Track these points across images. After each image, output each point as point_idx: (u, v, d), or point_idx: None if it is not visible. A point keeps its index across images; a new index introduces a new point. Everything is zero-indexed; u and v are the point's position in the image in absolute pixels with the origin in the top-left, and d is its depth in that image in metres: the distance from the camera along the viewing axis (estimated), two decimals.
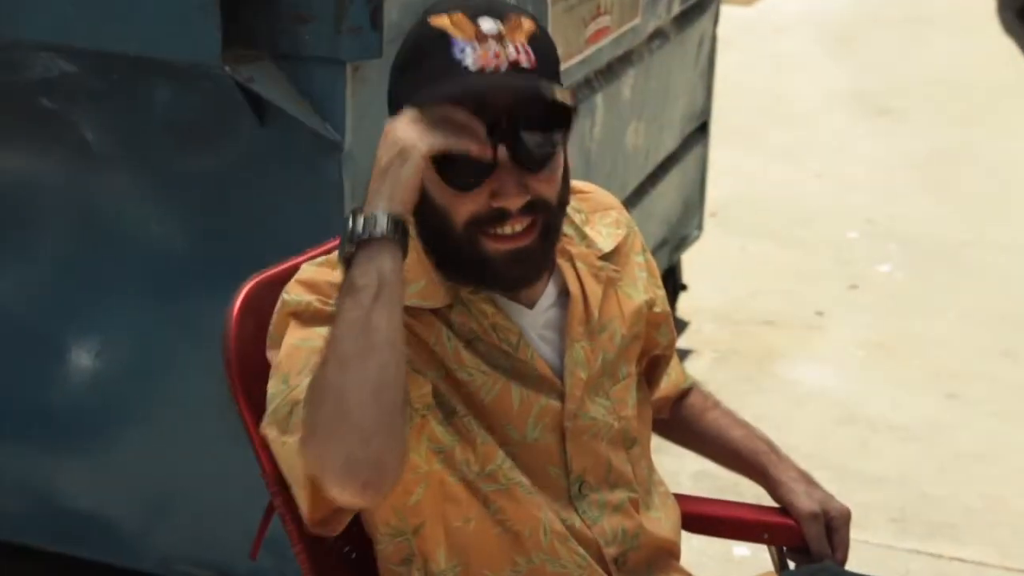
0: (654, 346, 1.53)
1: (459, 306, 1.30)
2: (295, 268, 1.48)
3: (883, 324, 3.94)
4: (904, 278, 4.31)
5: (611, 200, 1.51)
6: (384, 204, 1.17)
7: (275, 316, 1.30)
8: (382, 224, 1.16)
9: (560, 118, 1.25)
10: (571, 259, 1.38)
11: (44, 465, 2.25)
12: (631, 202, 3.15)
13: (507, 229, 1.25)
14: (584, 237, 1.41)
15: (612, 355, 1.40)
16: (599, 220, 1.46)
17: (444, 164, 1.23)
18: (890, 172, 5.31)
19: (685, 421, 1.62)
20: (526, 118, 1.22)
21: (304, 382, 1.19)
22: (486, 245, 1.26)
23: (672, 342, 1.56)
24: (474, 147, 1.19)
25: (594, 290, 1.38)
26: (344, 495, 1.14)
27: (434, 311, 1.30)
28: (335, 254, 1.29)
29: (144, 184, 2.02)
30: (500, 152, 1.22)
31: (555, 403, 1.34)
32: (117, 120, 2.00)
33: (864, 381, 3.58)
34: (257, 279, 1.46)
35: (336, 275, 1.25)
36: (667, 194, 3.49)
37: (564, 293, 1.37)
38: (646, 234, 3.42)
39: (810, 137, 5.74)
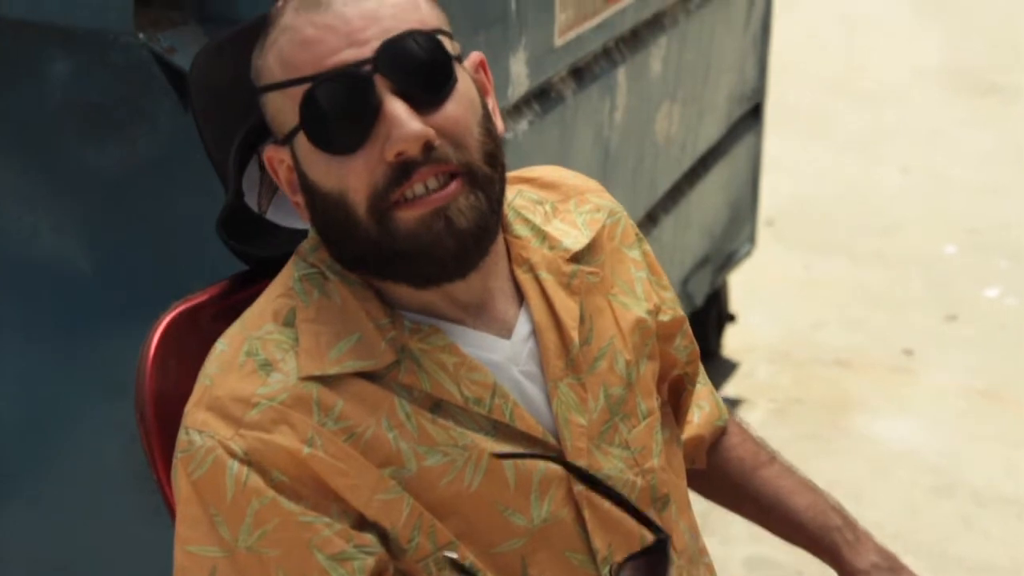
0: (672, 364, 1.52)
1: (408, 361, 1.29)
2: (228, 295, 1.49)
3: (990, 365, 3.94)
4: (1017, 305, 4.31)
5: (587, 183, 1.51)
6: None
7: (176, 466, 1.28)
8: None
9: (439, 43, 1.28)
10: (532, 269, 1.38)
11: None
12: (664, 208, 3.16)
13: (417, 188, 1.25)
14: (544, 238, 1.40)
15: (619, 389, 1.39)
16: (574, 209, 1.46)
17: (317, 127, 1.25)
18: (997, 168, 5.32)
19: (730, 477, 1.62)
20: (403, 41, 1.26)
21: None
22: (400, 221, 1.25)
23: (695, 355, 1.56)
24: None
25: (567, 307, 1.37)
26: None
27: (378, 378, 1.29)
28: (277, 306, 1.30)
29: (34, 184, 2.02)
30: (379, 83, 1.24)
31: (557, 466, 1.33)
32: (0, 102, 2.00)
33: (966, 439, 3.58)
34: (180, 308, 1.46)
35: (273, 381, 1.25)
36: (710, 197, 3.50)
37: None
38: (682, 248, 3.46)
39: (894, 123, 5.76)
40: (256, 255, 1.49)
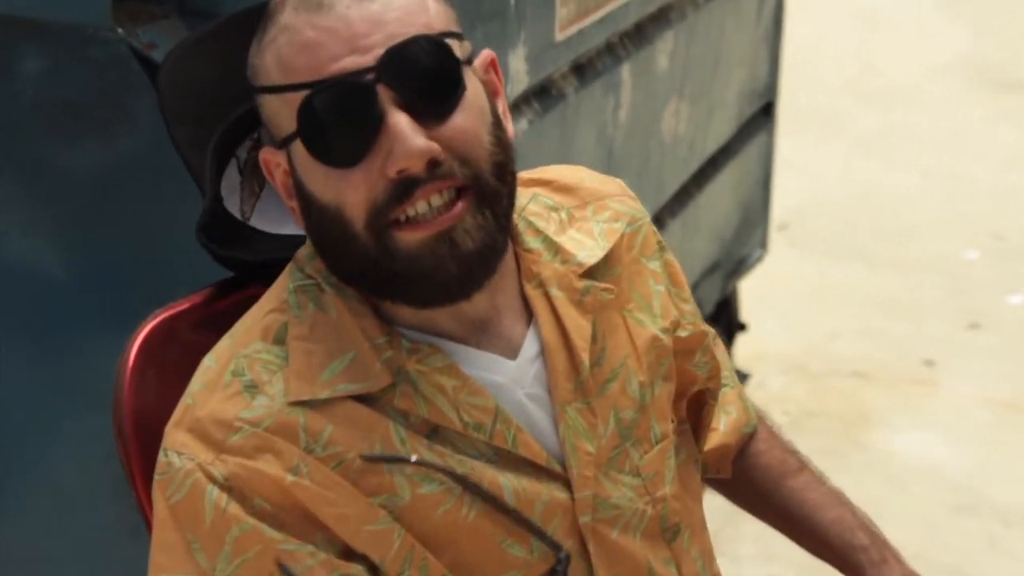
0: (691, 381, 1.52)
1: (405, 385, 1.28)
2: (212, 302, 1.49)
3: (1015, 376, 3.94)
4: None
5: (607, 187, 1.49)
6: None
7: (155, 489, 1.27)
8: None
9: (447, 49, 1.26)
10: (542, 285, 1.36)
11: None
12: (671, 211, 3.16)
13: (420, 206, 1.22)
14: (556, 251, 1.38)
15: (631, 412, 1.39)
16: (591, 216, 1.44)
17: (315, 137, 1.23)
18: (1022, 168, 5.32)
19: (755, 485, 1.61)
20: (408, 48, 1.23)
21: None
22: (400, 241, 1.23)
23: (716, 371, 1.55)
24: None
25: (578, 325, 1.36)
26: None
27: (373, 400, 1.28)
28: (268, 322, 1.29)
29: (4, 185, 2.03)
30: (382, 94, 1.21)
31: (562, 495, 1.32)
32: None
33: (990, 454, 3.58)
34: (160, 316, 1.46)
35: (258, 405, 1.25)
36: (720, 200, 3.50)
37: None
38: (691, 253, 3.46)
39: (912, 122, 5.76)
40: (241, 260, 1.48)
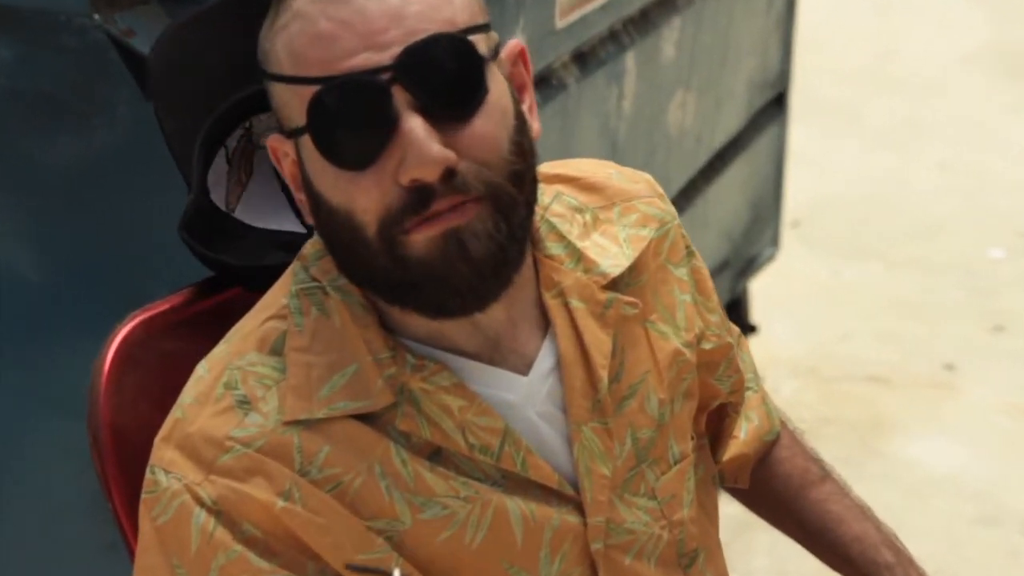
0: (713, 395, 1.51)
1: (407, 405, 1.26)
2: (192, 303, 1.48)
3: None
4: None
5: (635, 186, 1.48)
6: None
7: (141, 507, 1.26)
8: None
9: (470, 48, 1.23)
10: (562, 294, 1.34)
11: None
12: (677, 207, 3.09)
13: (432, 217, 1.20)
14: (579, 259, 1.36)
15: (649, 431, 1.37)
16: (617, 219, 1.43)
17: (325, 136, 1.21)
18: None
19: (774, 494, 1.60)
20: (428, 47, 1.21)
21: None
22: (410, 249, 1.21)
23: (740, 384, 1.54)
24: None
25: (598, 340, 1.34)
26: None
27: (373, 419, 1.26)
28: (265, 332, 1.28)
29: None
30: (398, 95, 1.19)
31: (573, 519, 1.32)
32: None
33: (1013, 462, 3.58)
34: (137, 319, 1.45)
35: (251, 423, 1.24)
36: (729, 196, 3.50)
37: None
38: (698, 252, 3.44)
39: (931, 113, 5.76)
40: (227, 263, 1.48)
